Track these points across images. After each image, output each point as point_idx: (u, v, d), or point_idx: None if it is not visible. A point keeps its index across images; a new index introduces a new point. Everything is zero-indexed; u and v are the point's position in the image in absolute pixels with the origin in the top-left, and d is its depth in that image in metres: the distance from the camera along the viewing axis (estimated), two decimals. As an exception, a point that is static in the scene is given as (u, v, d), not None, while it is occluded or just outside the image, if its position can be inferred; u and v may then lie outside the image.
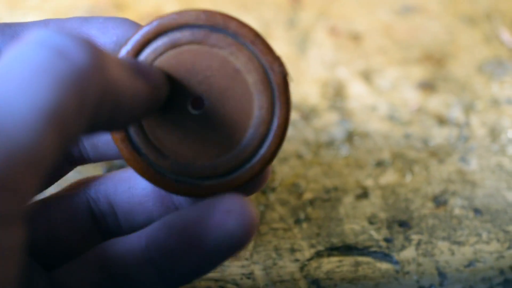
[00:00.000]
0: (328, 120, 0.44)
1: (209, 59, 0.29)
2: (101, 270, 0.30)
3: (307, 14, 0.51)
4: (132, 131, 0.30)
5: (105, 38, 0.30)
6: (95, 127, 0.25)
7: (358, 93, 0.46)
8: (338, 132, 0.43)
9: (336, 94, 0.46)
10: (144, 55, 0.29)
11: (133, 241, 0.30)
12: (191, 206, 0.29)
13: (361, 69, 0.47)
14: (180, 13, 0.29)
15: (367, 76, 0.47)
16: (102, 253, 0.30)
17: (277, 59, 0.29)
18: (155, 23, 0.29)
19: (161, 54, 0.29)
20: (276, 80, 0.29)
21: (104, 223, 0.32)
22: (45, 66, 0.22)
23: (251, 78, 0.29)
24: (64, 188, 0.33)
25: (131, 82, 0.26)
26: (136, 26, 0.31)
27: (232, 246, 0.28)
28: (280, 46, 0.49)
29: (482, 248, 0.37)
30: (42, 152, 0.21)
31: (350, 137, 0.43)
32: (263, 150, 0.30)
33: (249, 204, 0.28)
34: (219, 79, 0.29)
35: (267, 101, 0.30)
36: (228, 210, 0.27)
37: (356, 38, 0.50)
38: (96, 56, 0.23)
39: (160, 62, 0.29)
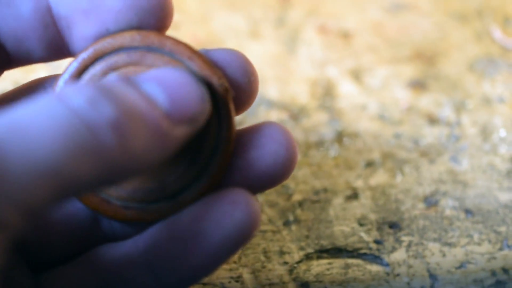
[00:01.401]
0: (318, 120, 0.44)
1: None
2: (95, 275, 0.29)
3: (296, 13, 0.51)
4: None
5: (120, 3, 0.29)
6: (108, 184, 0.25)
7: (347, 92, 0.45)
8: (327, 132, 0.43)
9: (326, 94, 0.45)
10: (83, 81, 0.29)
11: (129, 245, 0.29)
12: (194, 204, 0.28)
13: (351, 68, 0.47)
14: (114, 36, 0.29)
15: (357, 75, 0.47)
16: (96, 257, 0.30)
17: (215, 73, 0.29)
18: (90, 49, 0.29)
19: (99, 78, 0.29)
20: (217, 94, 0.29)
21: None
22: (72, 134, 0.22)
23: None
24: None
25: (160, 143, 0.25)
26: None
27: (240, 238, 0.27)
28: (269, 45, 0.48)
29: (474, 250, 0.37)
30: (34, 200, 0.22)
31: (339, 137, 0.43)
32: (210, 167, 0.29)
33: (253, 196, 0.28)
34: None
35: (211, 116, 0.29)
36: (233, 201, 0.27)
37: (345, 36, 0.49)
38: (122, 137, 0.23)
39: None
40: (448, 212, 0.39)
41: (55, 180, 0.22)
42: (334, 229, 0.38)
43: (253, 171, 0.29)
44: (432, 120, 0.44)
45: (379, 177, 0.40)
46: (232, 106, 0.29)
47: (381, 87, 0.46)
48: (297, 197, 0.39)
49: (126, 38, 0.29)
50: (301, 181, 0.40)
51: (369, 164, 0.41)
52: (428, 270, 0.36)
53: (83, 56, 0.29)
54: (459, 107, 0.45)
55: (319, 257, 0.37)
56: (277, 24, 0.50)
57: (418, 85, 0.46)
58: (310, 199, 0.39)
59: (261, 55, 0.47)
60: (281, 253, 0.37)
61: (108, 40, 0.29)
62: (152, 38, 0.29)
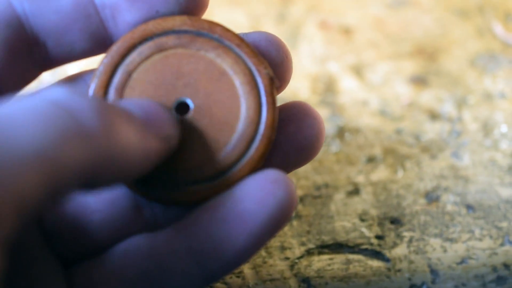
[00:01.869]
0: (319, 115, 0.44)
1: (195, 62, 0.29)
2: (133, 265, 0.29)
3: (297, 8, 0.51)
4: None
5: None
6: (96, 183, 0.25)
7: (349, 88, 0.45)
8: (329, 128, 0.43)
9: (327, 89, 0.45)
10: (130, 59, 0.29)
11: (170, 233, 0.29)
12: (235, 186, 0.28)
13: (352, 64, 0.47)
14: (165, 19, 0.29)
15: (358, 70, 0.46)
16: (135, 246, 0.29)
17: (262, 62, 0.29)
18: (140, 28, 0.29)
19: (146, 58, 0.29)
20: (262, 82, 0.29)
21: None
22: (51, 120, 0.22)
23: (238, 80, 0.29)
24: None
25: (142, 141, 0.25)
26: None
27: (282, 217, 0.27)
28: (270, 40, 0.48)
29: (475, 245, 0.37)
30: (26, 191, 0.21)
31: (341, 132, 0.43)
32: (251, 153, 0.29)
33: (288, 176, 0.28)
34: (205, 82, 0.29)
35: (255, 102, 0.29)
36: (275, 180, 0.27)
37: (347, 32, 0.49)
38: (105, 118, 0.24)
39: (145, 66, 0.29)
40: (449, 207, 0.39)
41: (43, 165, 0.22)
42: (335, 224, 0.38)
43: (294, 145, 0.30)
44: (433, 116, 0.44)
45: (380, 173, 0.40)
46: (275, 95, 0.30)
47: (382, 82, 0.46)
48: (298, 192, 0.39)
49: (177, 21, 0.30)
50: (302, 176, 0.40)
51: (370, 160, 0.41)
52: (429, 266, 0.36)
53: (133, 34, 0.30)
54: (460, 103, 0.45)
55: (320, 253, 0.37)
56: (278, 20, 0.50)
57: (419, 81, 0.46)
58: (312, 194, 0.39)
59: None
60: (282, 248, 0.37)
61: (158, 21, 0.29)
62: (202, 22, 0.30)
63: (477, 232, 0.38)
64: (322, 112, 0.44)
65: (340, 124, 0.43)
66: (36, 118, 0.22)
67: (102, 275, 0.29)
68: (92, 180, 0.24)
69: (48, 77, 0.44)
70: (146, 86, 0.29)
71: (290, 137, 0.30)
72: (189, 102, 0.29)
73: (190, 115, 0.29)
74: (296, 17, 0.50)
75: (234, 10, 0.50)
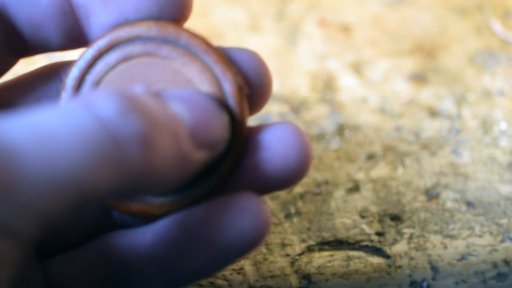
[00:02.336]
0: (318, 113, 0.43)
1: (162, 71, 0.29)
2: (102, 263, 0.29)
3: (296, 6, 0.51)
4: None
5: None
6: (127, 197, 0.25)
7: (348, 85, 0.45)
8: (328, 125, 0.43)
9: (326, 87, 0.45)
10: (97, 70, 0.29)
11: (137, 237, 0.29)
12: (203, 205, 0.28)
13: (351, 61, 0.47)
14: (131, 25, 0.29)
15: (357, 68, 0.46)
16: (104, 245, 0.29)
17: (230, 69, 0.29)
18: (106, 37, 0.29)
19: (113, 67, 0.29)
20: (230, 90, 0.28)
21: None
22: (96, 144, 0.22)
23: (204, 89, 0.28)
24: None
25: (183, 158, 0.25)
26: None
27: (244, 247, 0.27)
28: (269, 38, 0.48)
29: (475, 242, 0.37)
30: (50, 212, 0.21)
31: (340, 130, 0.43)
32: (221, 165, 0.29)
33: (264, 204, 0.27)
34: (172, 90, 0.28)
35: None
36: (242, 209, 0.27)
37: (346, 29, 0.49)
38: (148, 150, 0.23)
39: (111, 76, 0.29)
40: (449, 204, 0.39)
41: (74, 192, 0.21)
42: (336, 221, 0.38)
43: (262, 173, 0.28)
44: (433, 113, 0.44)
45: (380, 170, 0.40)
46: (245, 104, 0.29)
47: (381, 80, 0.46)
48: (298, 189, 0.39)
49: (143, 28, 0.29)
50: (302, 173, 0.40)
51: (370, 157, 0.41)
52: (430, 262, 0.36)
53: (99, 43, 0.29)
54: (460, 100, 0.45)
55: (320, 249, 0.37)
56: (277, 17, 0.50)
57: (419, 78, 0.46)
58: (312, 191, 0.39)
59: (261, 49, 0.47)
60: (283, 245, 0.37)
61: (125, 29, 0.29)
62: (168, 29, 0.29)
63: (477, 228, 0.38)
64: (322, 110, 0.44)
65: (339, 121, 0.43)
66: (80, 140, 0.22)
67: (72, 270, 0.29)
68: (124, 195, 0.24)
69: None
70: None
71: (260, 164, 0.28)
72: None
73: None
74: (295, 14, 0.50)
75: (233, 7, 0.50)
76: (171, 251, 0.28)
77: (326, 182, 0.40)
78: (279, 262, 0.36)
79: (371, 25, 0.50)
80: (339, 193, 0.39)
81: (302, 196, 0.39)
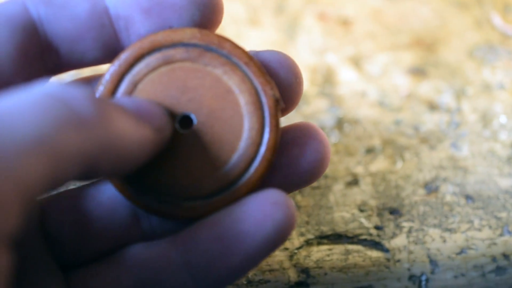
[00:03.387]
0: (318, 106, 0.43)
1: (201, 78, 0.29)
2: (129, 274, 0.29)
3: (295, 0, 0.51)
4: None
5: None
6: (96, 172, 0.25)
7: (347, 79, 0.45)
8: (327, 119, 0.43)
9: (326, 81, 0.45)
10: (137, 69, 0.29)
11: (166, 244, 0.29)
12: (234, 205, 0.29)
13: (351, 55, 0.47)
14: (175, 30, 0.29)
15: (356, 62, 0.46)
16: (131, 255, 0.29)
17: (269, 82, 0.29)
18: (149, 38, 0.29)
19: (153, 69, 0.29)
20: (267, 103, 0.29)
21: None
22: (48, 109, 0.23)
23: (243, 99, 0.29)
24: None
25: (135, 131, 0.26)
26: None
27: (279, 239, 0.28)
28: (269, 32, 0.48)
29: (474, 235, 0.37)
30: (28, 178, 0.22)
31: (340, 123, 0.43)
32: (249, 173, 0.29)
33: (288, 197, 0.28)
34: (210, 98, 0.29)
35: (258, 123, 0.29)
36: (274, 202, 0.28)
37: (345, 23, 0.49)
38: (100, 108, 0.24)
39: (151, 77, 0.29)
40: (448, 198, 0.39)
41: (43, 153, 0.22)
42: (334, 215, 0.38)
43: (296, 169, 0.30)
44: (432, 107, 0.44)
45: (380, 164, 0.40)
46: (279, 117, 0.29)
47: (381, 74, 0.46)
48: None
49: (187, 33, 0.29)
50: (301, 167, 0.40)
51: (370, 151, 0.41)
52: (429, 256, 0.36)
53: (141, 45, 0.29)
54: (459, 94, 0.45)
55: (319, 243, 0.37)
56: (277, 11, 0.50)
57: (418, 72, 0.46)
58: (311, 185, 0.39)
59: (260, 43, 0.47)
60: (282, 239, 0.37)
61: (168, 33, 0.29)
62: (212, 37, 0.29)
63: (476, 222, 0.38)
64: (321, 104, 0.44)
65: (339, 115, 0.43)
66: (34, 109, 0.23)
67: (98, 283, 0.29)
68: (91, 169, 0.24)
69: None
70: (150, 98, 0.29)
71: (294, 160, 0.30)
72: (193, 117, 0.29)
73: (192, 130, 0.29)
74: (294, 8, 0.50)
75: (233, 2, 0.50)
76: (204, 256, 0.28)
77: (325, 176, 0.40)
78: (277, 256, 0.36)
79: (371, 19, 0.49)
80: (338, 186, 0.39)
81: (301, 190, 0.39)
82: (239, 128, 0.29)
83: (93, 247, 0.30)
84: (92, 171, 0.24)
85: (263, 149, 0.29)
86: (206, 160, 0.29)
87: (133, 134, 0.25)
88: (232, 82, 0.29)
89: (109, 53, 0.31)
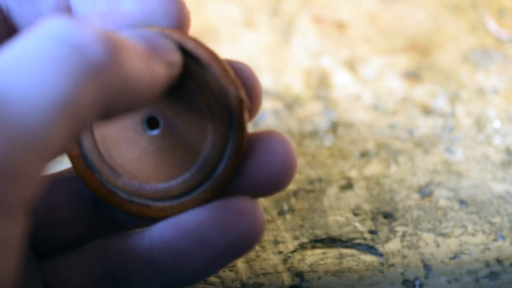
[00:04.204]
0: (312, 109, 0.43)
1: None
2: (99, 264, 0.30)
3: (291, 2, 0.51)
4: (86, 148, 0.29)
5: (137, 10, 0.29)
6: (110, 114, 0.24)
7: (342, 82, 0.45)
8: (322, 122, 0.43)
9: (320, 83, 0.45)
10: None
11: (136, 240, 0.30)
12: (201, 208, 0.29)
13: (346, 58, 0.47)
14: (137, 29, 0.28)
15: (351, 65, 0.46)
16: (101, 247, 0.30)
17: (232, 83, 0.28)
18: None
19: None
20: (232, 104, 0.28)
21: None
22: (61, 61, 0.22)
23: (205, 100, 0.28)
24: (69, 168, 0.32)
25: (148, 69, 0.25)
26: (173, 1, 0.30)
27: (242, 248, 0.28)
28: (264, 34, 0.48)
29: (468, 240, 0.37)
30: (51, 141, 0.21)
31: (334, 127, 0.43)
32: (216, 175, 0.29)
33: (259, 206, 0.28)
34: (174, 99, 0.29)
35: (222, 125, 0.29)
36: (240, 211, 0.28)
37: (340, 26, 0.49)
38: (113, 51, 0.23)
39: None
40: (442, 202, 0.39)
41: (65, 111, 0.22)
42: (329, 219, 0.38)
43: (249, 180, 0.29)
44: (427, 111, 0.44)
45: (374, 167, 0.40)
46: (246, 118, 0.29)
47: (375, 77, 0.46)
48: (291, 186, 0.39)
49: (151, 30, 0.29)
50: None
51: (364, 154, 0.41)
52: (422, 261, 0.36)
53: None
54: (454, 98, 0.45)
55: (313, 247, 0.37)
56: (272, 13, 0.50)
57: (413, 76, 0.46)
58: (305, 188, 0.39)
59: (255, 45, 0.47)
60: (276, 242, 0.37)
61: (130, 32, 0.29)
62: (174, 37, 0.28)
63: (470, 227, 0.38)
64: (315, 107, 0.44)
65: (333, 118, 0.43)
66: (44, 60, 0.22)
67: (71, 272, 0.30)
68: (105, 113, 0.24)
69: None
70: None
71: (247, 172, 0.29)
72: (159, 118, 0.29)
73: (159, 131, 0.29)
74: (289, 11, 0.50)
75: (228, 3, 0.50)
76: (168, 253, 0.29)
77: (319, 179, 0.40)
78: (271, 259, 0.36)
79: (366, 22, 0.49)
80: (332, 190, 0.39)
81: (295, 193, 0.39)
82: (204, 129, 0.29)
83: (61, 236, 0.30)
84: (105, 116, 0.24)
85: (228, 150, 0.29)
86: (174, 162, 0.29)
87: (146, 73, 0.25)
88: (195, 83, 0.28)
89: None
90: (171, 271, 0.29)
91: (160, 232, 0.29)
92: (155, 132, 0.29)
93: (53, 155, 0.22)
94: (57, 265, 0.30)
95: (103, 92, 0.23)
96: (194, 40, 0.29)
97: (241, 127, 0.29)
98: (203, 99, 0.28)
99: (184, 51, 0.28)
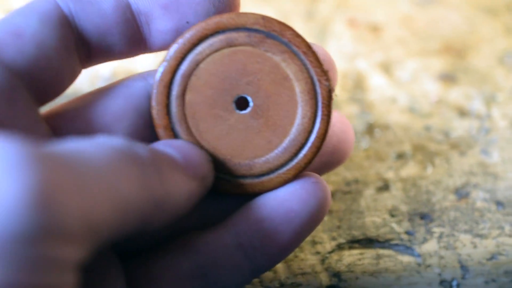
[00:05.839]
0: (348, 112, 0.44)
1: (261, 63, 0.30)
2: (189, 260, 0.30)
3: (325, 6, 0.51)
4: (175, 120, 0.31)
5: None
6: (147, 227, 0.26)
7: (378, 85, 0.46)
8: (358, 124, 0.43)
9: (356, 86, 0.45)
10: (200, 49, 0.30)
11: (220, 229, 0.31)
12: (277, 190, 0.31)
13: (381, 61, 0.47)
14: (239, 14, 0.30)
15: (386, 67, 0.47)
16: (189, 242, 0.31)
17: (325, 73, 0.30)
18: (214, 20, 0.30)
19: (216, 50, 0.30)
20: (322, 93, 0.30)
21: None
22: (121, 165, 0.25)
23: (299, 87, 0.30)
24: None
25: (185, 185, 0.27)
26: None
27: (320, 215, 0.31)
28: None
29: (505, 241, 0.37)
30: (99, 220, 0.23)
31: (370, 129, 0.43)
32: (298, 158, 0.31)
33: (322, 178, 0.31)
34: (268, 83, 0.30)
35: (311, 111, 0.31)
36: (315, 181, 0.30)
37: (375, 29, 0.49)
38: (158, 167, 0.26)
39: (213, 58, 0.30)
40: (479, 204, 0.39)
41: (113, 202, 0.23)
42: (366, 220, 0.38)
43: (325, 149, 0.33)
44: (462, 113, 0.44)
45: (410, 169, 0.41)
46: (331, 107, 0.31)
47: (411, 80, 0.46)
48: (329, 188, 0.39)
49: (250, 18, 0.30)
50: (332, 172, 0.40)
51: (400, 156, 0.41)
52: (459, 261, 0.36)
53: (205, 25, 0.30)
54: (489, 100, 0.45)
55: (350, 248, 0.37)
56: (307, 17, 0.50)
57: (448, 78, 0.46)
58: (342, 190, 0.39)
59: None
60: (313, 243, 0.37)
61: (232, 15, 0.30)
62: (274, 24, 0.30)
63: (507, 228, 0.38)
64: (351, 109, 0.44)
65: (369, 120, 0.43)
66: (109, 163, 0.24)
67: (159, 269, 0.30)
68: (147, 221, 0.26)
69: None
70: (211, 78, 0.30)
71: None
72: (249, 99, 0.31)
73: (248, 112, 0.31)
74: (324, 14, 0.50)
75: (263, 7, 0.50)
76: (256, 235, 0.30)
77: (356, 181, 0.40)
78: (309, 259, 0.36)
79: (400, 25, 0.50)
80: (369, 192, 0.39)
81: (332, 194, 0.39)
82: (293, 114, 0.31)
83: (151, 235, 0.31)
84: (146, 224, 0.26)
85: (313, 136, 0.31)
86: (259, 142, 0.31)
87: (183, 188, 0.27)
88: (290, 69, 0.30)
89: (133, 47, 0.32)
90: (260, 253, 0.30)
91: (245, 217, 0.31)
92: (244, 111, 0.31)
93: (101, 235, 0.24)
94: (144, 264, 0.31)
95: (147, 198, 0.25)
96: (292, 29, 0.30)
97: (328, 115, 0.31)
98: (296, 85, 0.30)
99: (283, 40, 0.30)
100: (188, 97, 0.31)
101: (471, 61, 0.47)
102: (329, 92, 0.31)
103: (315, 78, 0.30)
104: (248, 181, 0.31)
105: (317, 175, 0.31)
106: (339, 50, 0.48)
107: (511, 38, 0.49)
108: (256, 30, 0.30)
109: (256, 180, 0.31)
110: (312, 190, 0.30)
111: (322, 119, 0.31)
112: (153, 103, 0.31)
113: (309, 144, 0.31)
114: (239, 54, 0.30)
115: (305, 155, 0.31)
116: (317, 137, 0.31)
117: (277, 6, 0.50)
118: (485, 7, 0.51)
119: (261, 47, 0.30)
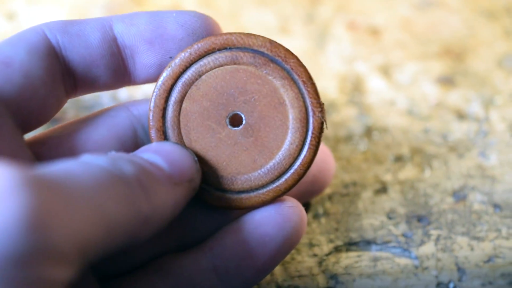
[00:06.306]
0: (347, 114, 0.44)
1: (261, 84, 0.31)
2: (165, 282, 0.31)
3: (325, 9, 0.51)
4: (169, 125, 0.31)
5: (182, 31, 0.32)
6: (131, 246, 0.27)
7: (377, 87, 0.46)
8: (356, 127, 0.43)
9: (355, 89, 0.46)
10: (205, 61, 0.31)
11: (196, 252, 0.31)
12: (254, 213, 0.32)
13: (380, 64, 0.47)
14: (248, 35, 0.31)
15: (386, 70, 0.47)
16: (165, 264, 0.31)
17: (320, 105, 0.31)
18: (224, 36, 0.31)
19: (220, 65, 0.31)
20: (314, 123, 0.31)
21: None
22: (108, 185, 0.26)
23: (293, 114, 0.31)
24: None
25: (171, 195, 0.28)
26: (209, 19, 0.32)
27: (296, 239, 0.31)
28: (299, 40, 0.49)
29: (502, 244, 0.37)
30: (87, 238, 0.24)
31: (368, 132, 0.43)
32: (279, 182, 0.32)
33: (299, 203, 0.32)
34: (264, 105, 0.31)
35: (300, 139, 0.31)
36: (291, 206, 0.31)
37: (375, 32, 0.49)
38: (145, 186, 0.27)
39: (216, 72, 0.31)
40: (476, 206, 0.39)
41: (101, 220, 0.24)
42: (363, 222, 0.38)
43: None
44: (461, 116, 0.44)
45: (408, 172, 0.41)
46: (320, 139, 0.32)
47: (409, 83, 0.46)
48: (326, 190, 0.40)
49: (258, 40, 0.31)
50: (330, 174, 0.40)
51: (398, 159, 0.41)
52: (456, 264, 0.36)
53: (214, 40, 0.31)
54: (488, 103, 0.45)
55: (348, 250, 0.37)
56: (307, 20, 0.50)
57: (447, 81, 0.46)
58: (340, 192, 0.40)
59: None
60: (311, 245, 0.37)
61: (241, 35, 0.31)
62: (280, 49, 0.31)
63: (504, 231, 0.38)
64: (350, 111, 0.44)
65: (368, 123, 0.43)
66: (96, 184, 0.25)
67: None
68: (134, 236, 0.26)
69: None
70: (210, 90, 0.31)
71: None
72: (243, 117, 0.31)
73: (239, 129, 0.31)
74: (324, 17, 0.50)
75: (263, 10, 0.50)
76: (231, 258, 0.31)
77: (354, 183, 0.40)
78: (306, 262, 0.36)
79: (400, 28, 0.50)
80: (367, 194, 0.40)
81: (330, 197, 0.39)
82: (282, 139, 0.31)
83: (128, 258, 0.32)
84: (130, 242, 0.26)
85: (297, 163, 0.31)
86: (245, 159, 0.31)
87: (169, 200, 0.28)
88: (287, 96, 0.31)
89: (117, 79, 0.32)
90: (234, 276, 0.31)
91: (220, 241, 0.31)
92: (236, 128, 0.31)
93: (89, 252, 0.24)
94: (121, 286, 0.31)
95: (133, 215, 0.26)
96: (296, 58, 0.32)
97: (316, 146, 0.31)
98: (290, 112, 0.31)
99: (285, 67, 0.31)
100: (185, 105, 0.31)
101: (470, 64, 0.47)
102: (321, 124, 0.31)
103: (310, 108, 0.31)
104: (227, 195, 0.32)
105: (294, 199, 0.32)
106: (339, 53, 0.48)
107: (510, 41, 0.49)
108: (261, 53, 0.31)
109: (236, 196, 0.32)
110: (288, 215, 0.31)
111: (309, 148, 0.31)
112: (151, 104, 0.31)
113: (292, 170, 0.31)
114: (241, 73, 0.31)
115: (286, 180, 0.31)
116: (301, 164, 0.31)
117: (277, 9, 0.51)
118: (484, 10, 0.51)
119: (264, 70, 0.31)
